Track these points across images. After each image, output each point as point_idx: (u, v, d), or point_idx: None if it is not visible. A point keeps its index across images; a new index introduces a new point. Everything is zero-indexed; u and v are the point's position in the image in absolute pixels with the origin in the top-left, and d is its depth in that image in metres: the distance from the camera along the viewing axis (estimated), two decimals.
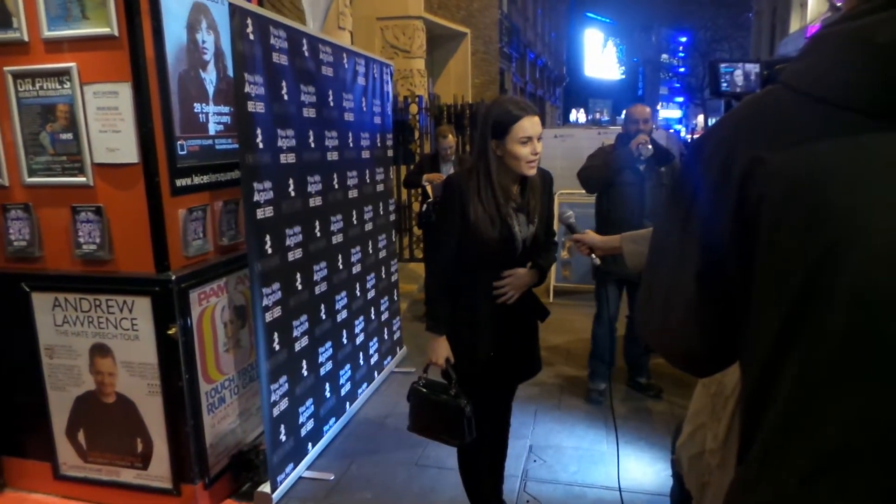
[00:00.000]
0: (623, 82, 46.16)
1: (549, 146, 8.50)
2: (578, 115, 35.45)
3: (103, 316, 2.57)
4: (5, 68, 2.46)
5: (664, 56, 46.81)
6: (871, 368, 0.67)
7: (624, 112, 3.84)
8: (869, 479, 0.68)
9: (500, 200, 2.06)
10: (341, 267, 3.48)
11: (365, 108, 3.83)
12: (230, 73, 2.68)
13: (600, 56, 45.03)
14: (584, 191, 3.88)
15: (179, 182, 2.53)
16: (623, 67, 47.20)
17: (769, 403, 0.75)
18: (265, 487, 2.74)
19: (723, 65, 2.11)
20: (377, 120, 4.06)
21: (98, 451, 2.70)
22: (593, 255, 2.07)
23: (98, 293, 2.56)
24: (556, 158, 8.27)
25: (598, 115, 38.23)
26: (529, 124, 1.98)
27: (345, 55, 3.54)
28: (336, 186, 3.40)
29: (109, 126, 2.42)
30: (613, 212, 3.57)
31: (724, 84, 2.12)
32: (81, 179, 2.48)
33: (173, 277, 2.47)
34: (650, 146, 3.46)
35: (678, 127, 31.83)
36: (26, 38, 2.42)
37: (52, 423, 2.72)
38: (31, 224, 2.58)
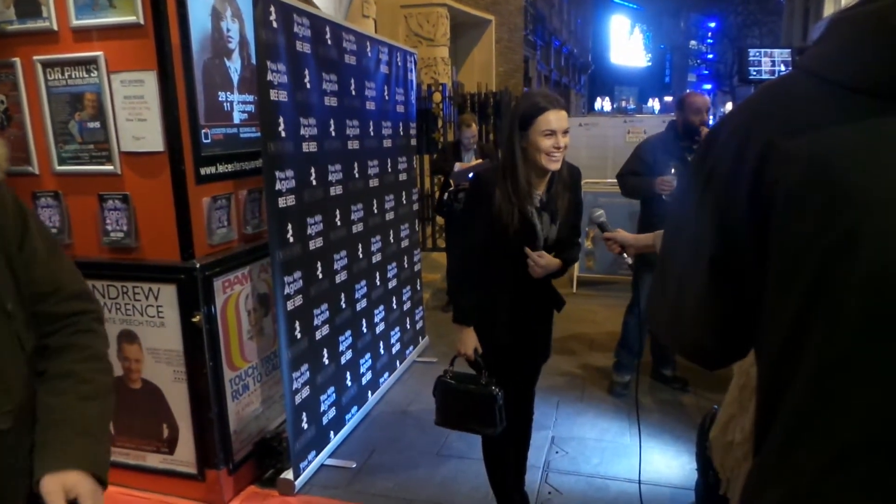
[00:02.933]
0: (649, 69, 45.43)
1: (574, 135, 8.34)
2: (604, 104, 34.99)
3: (130, 303, 2.61)
4: (35, 57, 2.49)
5: (692, 42, 45.92)
6: (890, 355, 0.66)
7: (681, 100, 3.62)
8: (889, 472, 0.67)
9: (522, 195, 2.05)
10: (361, 256, 3.48)
11: (387, 97, 3.81)
12: (254, 61, 2.68)
13: (627, 43, 44.34)
14: (607, 180, 3.79)
15: (204, 170, 2.54)
16: (650, 54, 46.42)
17: (785, 393, 0.74)
18: (288, 474, 2.76)
19: (752, 51, 2.08)
20: (400, 108, 4.04)
21: (125, 436, 2.75)
22: (625, 254, 2.05)
23: (125, 280, 2.59)
24: (581, 148, 8.17)
25: (623, 103, 37.69)
26: (555, 117, 1.98)
27: (368, 43, 3.52)
28: (356, 175, 3.39)
29: (136, 115, 2.44)
30: (660, 205, 3.44)
31: (754, 71, 2.09)
32: (109, 168, 2.51)
33: (198, 265, 2.49)
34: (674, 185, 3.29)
35: None
36: (55, 27, 2.44)
37: None
38: (60, 212, 2.62)
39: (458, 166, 4.80)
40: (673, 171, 3.31)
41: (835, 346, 0.68)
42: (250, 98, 2.78)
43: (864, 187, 0.66)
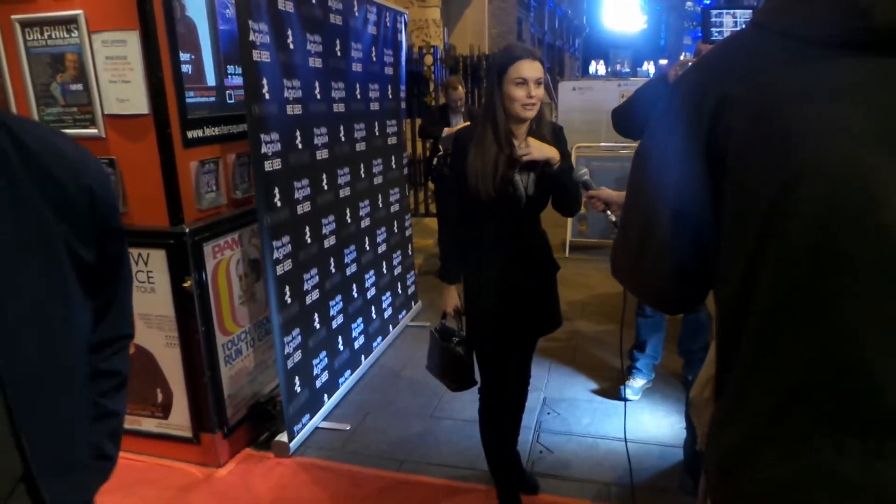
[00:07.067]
0: (645, 32, 44.71)
1: (567, 99, 8.32)
2: (598, 67, 34.55)
3: None
4: (13, 17, 2.41)
5: (688, 3, 45.14)
6: (835, 293, 0.68)
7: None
8: (835, 413, 0.69)
9: (501, 149, 2.02)
10: (349, 221, 3.45)
11: (375, 59, 3.74)
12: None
13: (622, 4, 43.51)
14: (601, 144, 3.72)
15: (191, 134, 2.50)
16: (646, 16, 45.63)
17: (739, 341, 0.76)
18: (283, 437, 2.80)
19: (714, 11, 2.07)
20: (389, 71, 3.97)
21: None
22: (608, 212, 2.02)
23: None
24: (574, 111, 8.10)
25: (618, 67, 37.24)
26: (527, 66, 1.96)
27: (355, 3, 3.43)
28: (342, 139, 3.34)
29: (119, 76, 2.38)
30: None
31: (716, 32, 2.08)
32: (93, 131, 2.46)
33: (187, 230, 2.47)
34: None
35: None
36: None
37: None
38: None
39: (445, 131, 4.75)
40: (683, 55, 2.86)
41: (783, 286, 0.71)
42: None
43: (805, 133, 0.68)
